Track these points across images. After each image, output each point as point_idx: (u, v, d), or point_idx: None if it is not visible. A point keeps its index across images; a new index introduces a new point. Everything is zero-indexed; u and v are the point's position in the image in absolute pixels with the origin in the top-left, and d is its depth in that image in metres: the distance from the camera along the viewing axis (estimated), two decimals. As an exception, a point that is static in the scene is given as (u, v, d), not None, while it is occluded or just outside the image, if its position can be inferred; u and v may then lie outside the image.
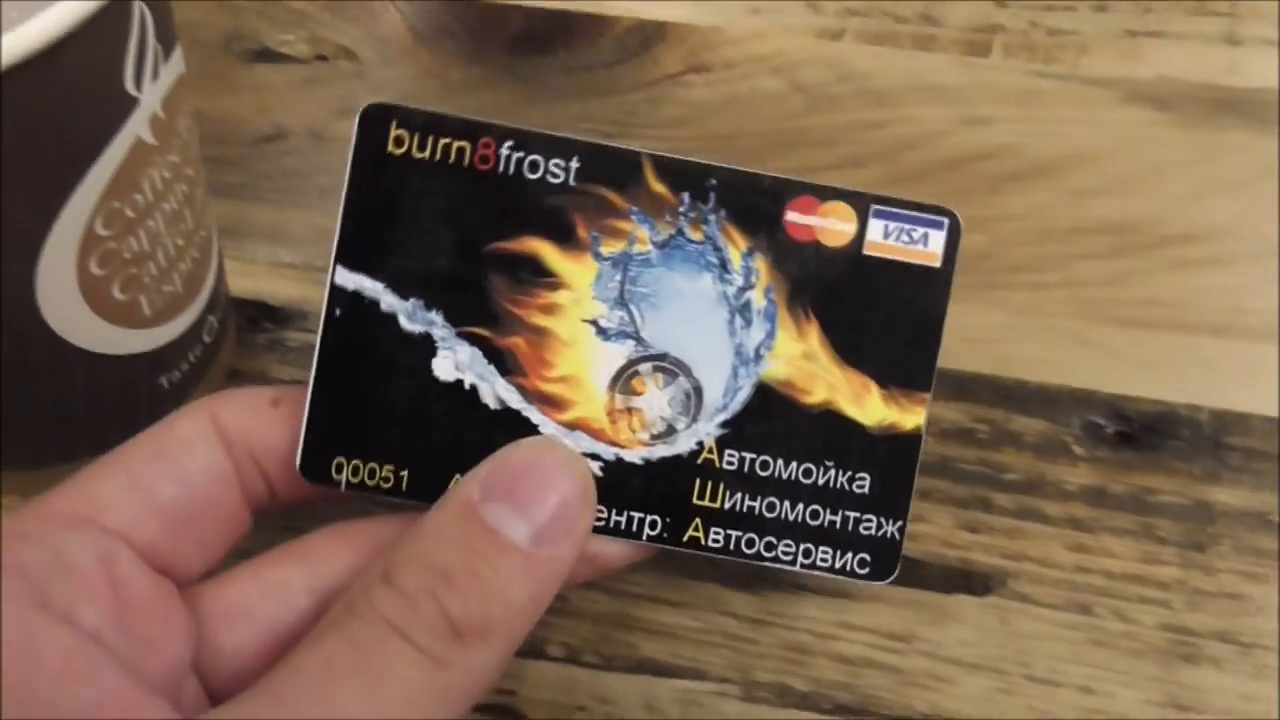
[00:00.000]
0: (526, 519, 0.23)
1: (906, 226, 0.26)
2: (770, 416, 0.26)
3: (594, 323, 0.26)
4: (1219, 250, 0.36)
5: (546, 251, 0.26)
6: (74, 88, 0.23)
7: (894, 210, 0.26)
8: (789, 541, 0.26)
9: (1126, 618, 0.30)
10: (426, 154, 0.26)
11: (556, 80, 0.40)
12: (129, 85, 0.24)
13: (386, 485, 0.26)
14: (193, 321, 0.30)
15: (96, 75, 0.24)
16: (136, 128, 0.25)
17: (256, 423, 0.25)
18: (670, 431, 0.26)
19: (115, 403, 0.29)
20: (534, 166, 0.26)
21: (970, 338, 0.34)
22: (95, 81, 0.24)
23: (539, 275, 0.26)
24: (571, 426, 0.26)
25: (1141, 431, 0.33)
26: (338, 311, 0.26)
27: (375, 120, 0.26)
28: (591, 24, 0.42)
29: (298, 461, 0.26)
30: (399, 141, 0.26)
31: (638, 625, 0.29)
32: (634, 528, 0.26)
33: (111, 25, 0.23)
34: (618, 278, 0.26)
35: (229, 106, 0.39)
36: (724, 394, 0.26)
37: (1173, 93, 0.40)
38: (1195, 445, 0.32)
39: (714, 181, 0.26)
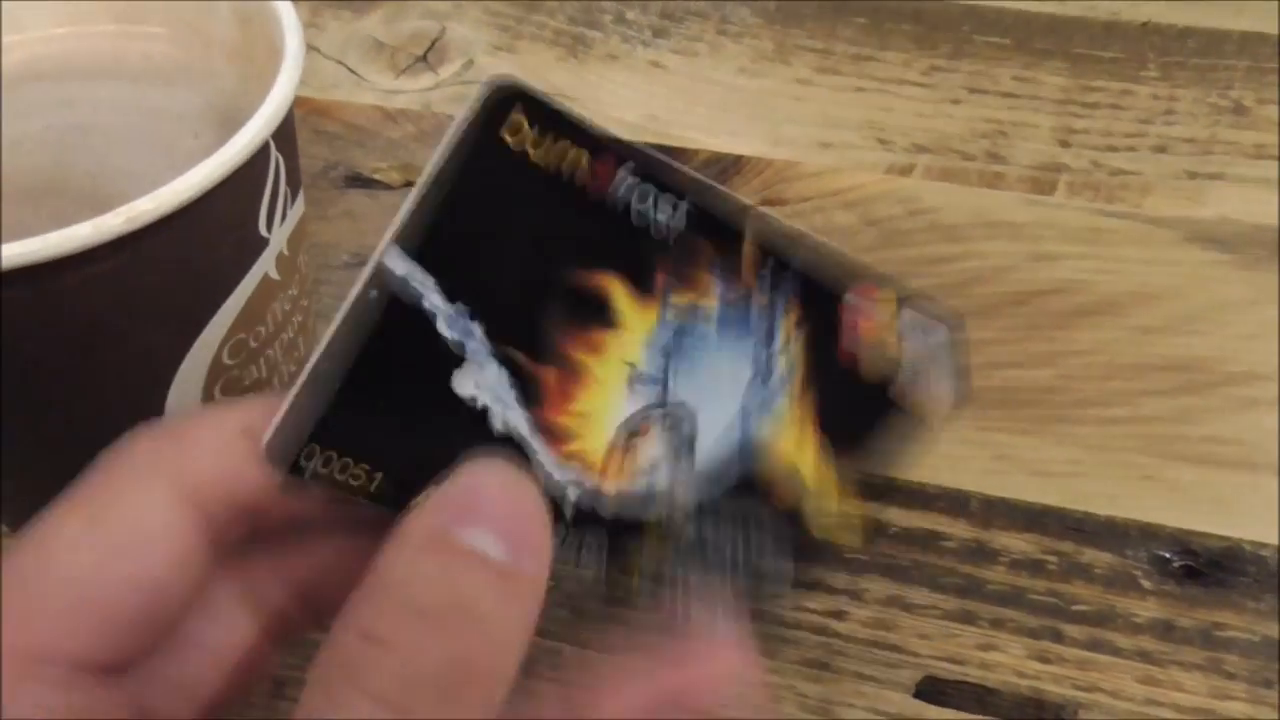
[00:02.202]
0: (504, 538, 0.21)
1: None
2: (741, 503, 0.25)
3: (631, 365, 0.24)
4: (1281, 389, 0.37)
5: (618, 291, 0.23)
6: (215, 233, 0.25)
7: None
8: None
9: (1197, 753, 0.30)
10: (539, 153, 0.22)
11: (637, 211, 0.42)
12: (262, 228, 0.26)
13: (355, 483, 0.23)
14: (298, 443, 0.31)
15: (236, 221, 0.25)
16: (265, 266, 0.27)
17: (229, 468, 0.22)
18: (649, 488, 0.25)
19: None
20: (643, 197, 0.23)
21: (1040, 471, 0.35)
22: (234, 226, 0.25)
23: (599, 312, 0.23)
24: (567, 458, 0.24)
25: (1208, 567, 0.33)
26: (373, 293, 0.22)
27: (499, 101, 0.22)
28: (670, 157, 0.43)
29: (265, 439, 0.22)
30: (515, 128, 0.23)
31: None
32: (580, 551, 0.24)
33: (251, 176, 0.25)
34: (672, 330, 0.24)
35: (323, 231, 0.41)
36: (712, 463, 0.25)
37: (1234, 233, 0.41)
38: (1261, 582, 0.33)
39: (798, 258, 0.24)
